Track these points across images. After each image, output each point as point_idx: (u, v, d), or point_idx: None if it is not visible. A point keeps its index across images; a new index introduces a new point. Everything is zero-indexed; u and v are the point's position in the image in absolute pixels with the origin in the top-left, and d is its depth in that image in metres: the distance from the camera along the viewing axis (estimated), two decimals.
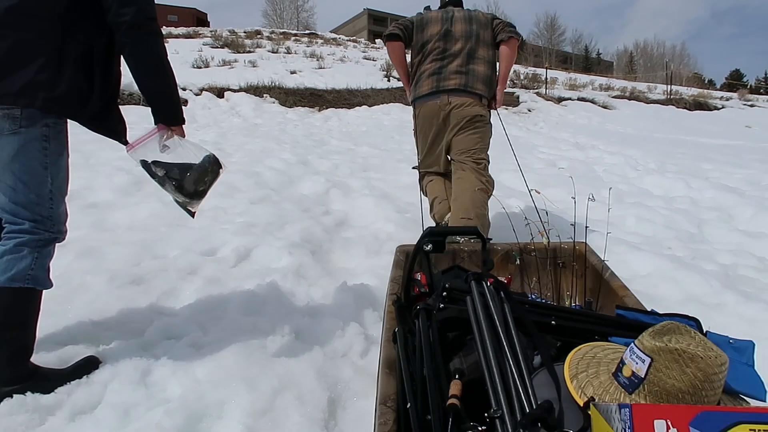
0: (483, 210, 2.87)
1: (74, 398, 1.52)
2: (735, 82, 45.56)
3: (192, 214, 1.89)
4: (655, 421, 0.82)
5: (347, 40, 35.02)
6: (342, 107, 12.07)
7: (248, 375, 1.60)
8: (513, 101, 14.11)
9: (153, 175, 1.73)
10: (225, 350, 1.76)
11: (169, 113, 1.73)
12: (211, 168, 1.82)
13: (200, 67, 15.10)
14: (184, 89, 10.91)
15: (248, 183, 4.06)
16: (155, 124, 1.72)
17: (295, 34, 35.16)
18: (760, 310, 2.18)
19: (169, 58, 1.66)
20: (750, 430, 0.77)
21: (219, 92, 11.05)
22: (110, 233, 2.91)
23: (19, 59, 1.48)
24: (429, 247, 1.66)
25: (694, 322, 1.32)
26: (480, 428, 0.97)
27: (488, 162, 3.10)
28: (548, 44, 61.91)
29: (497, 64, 3.14)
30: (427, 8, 3.23)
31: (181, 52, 19.54)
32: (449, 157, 3.11)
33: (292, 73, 17.61)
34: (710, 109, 17.71)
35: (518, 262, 2.22)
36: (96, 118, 1.68)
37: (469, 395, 1.09)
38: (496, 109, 3.15)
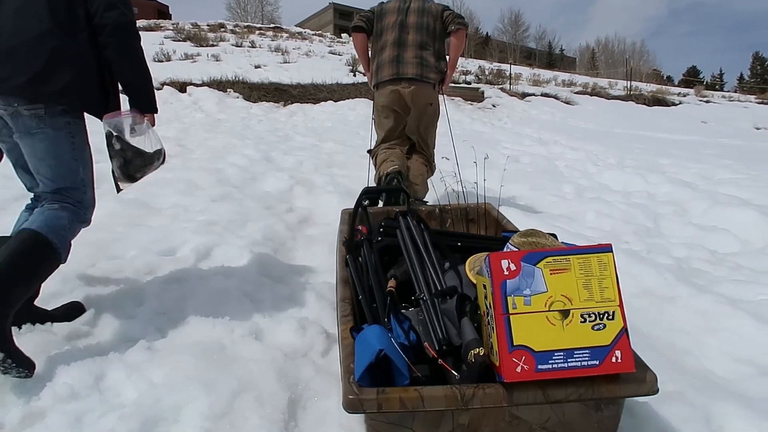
0: (425, 180, 3.62)
1: (23, 404, 1.47)
2: (692, 79, 46.92)
3: (118, 190, 2.09)
4: (502, 261, 1.27)
5: (313, 34, 34.78)
6: (307, 102, 11.98)
7: (206, 377, 1.58)
8: (478, 97, 14.24)
9: (109, 146, 1.91)
10: (182, 352, 1.72)
11: (145, 102, 1.95)
12: (157, 162, 2.05)
13: (161, 61, 14.74)
14: None
15: (210, 180, 3.99)
16: (132, 108, 1.93)
17: (260, 28, 34.73)
18: (710, 302, 2.25)
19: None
20: (553, 260, 1.27)
21: (181, 86, 10.85)
22: None
23: (52, 64, 1.70)
24: (366, 202, 2.15)
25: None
26: (410, 308, 1.56)
27: (434, 148, 3.80)
28: (513, 40, 62.62)
29: (445, 52, 3.60)
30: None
31: (144, 46, 19.08)
32: (407, 135, 3.67)
33: (257, 67, 17.39)
34: (668, 105, 18.19)
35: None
36: (95, 110, 1.87)
37: (400, 293, 1.63)
38: (443, 93, 3.63)
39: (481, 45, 58.59)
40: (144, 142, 1.96)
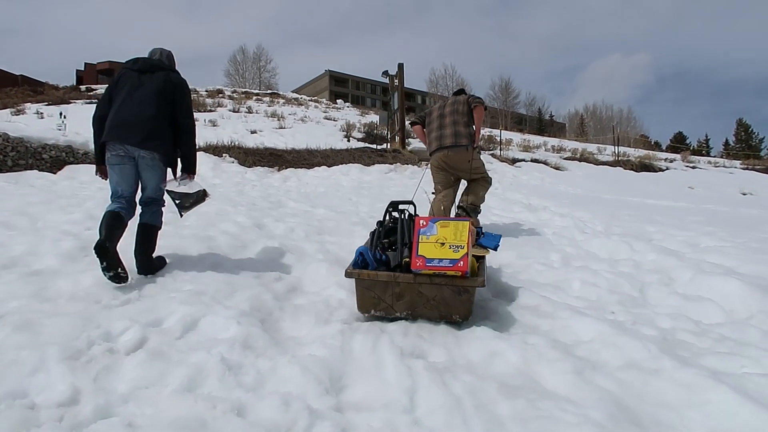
0: (483, 196, 5.60)
1: None
2: (678, 145, 48.08)
3: (181, 215, 3.87)
4: (420, 221, 2.94)
5: (309, 100, 35.74)
6: (301, 167, 12.19)
7: None
8: None
9: (172, 196, 3.67)
10: (163, 429, 1.71)
11: (191, 166, 3.71)
12: (199, 197, 3.79)
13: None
14: None
15: (200, 248, 4.03)
16: (182, 171, 3.69)
17: (257, 94, 35.73)
18: (694, 375, 2.25)
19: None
20: (441, 222, 2.92)
21: None
22: (51, 303, 2.83)
23: (156, 135, 3.43)
24: (390, 209, 3.67)
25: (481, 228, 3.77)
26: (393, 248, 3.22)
27: (485, 171, 5.63)
28: (504, 106, 64.36)
29: (471, 122, 5.37)
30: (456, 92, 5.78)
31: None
32: (462, 179, 5.59)
33: (253, 132, 17.78)
34: (655, 171, 18.58)
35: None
36: (173, 165, 3.70)
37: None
38: (476, 147, 5.40)
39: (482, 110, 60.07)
40: (190, 188, 3.68)
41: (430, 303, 2.91)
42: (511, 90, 67.58)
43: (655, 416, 2.07)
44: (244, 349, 2.42)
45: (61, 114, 12.32)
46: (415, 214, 3.66)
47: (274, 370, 2.28)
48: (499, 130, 23.32)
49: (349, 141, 17.39)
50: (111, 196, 3.45)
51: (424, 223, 2.93)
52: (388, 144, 16.04)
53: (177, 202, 3.67)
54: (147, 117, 3.38)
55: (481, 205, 5.63)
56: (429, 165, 5.55)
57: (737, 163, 26.14)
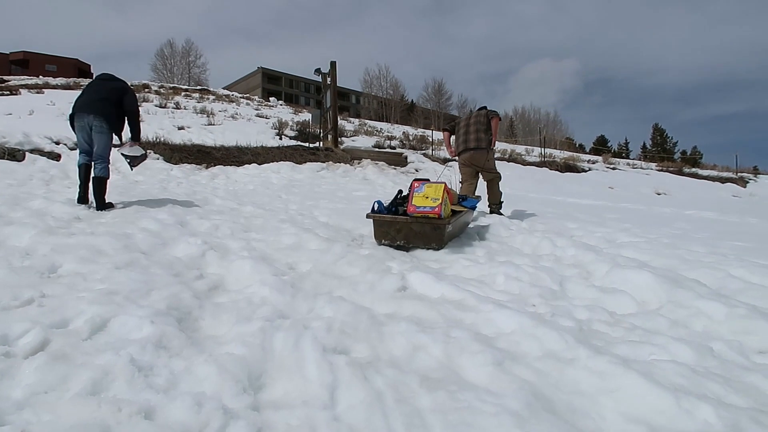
0: (498, 190, 7.34)
1: None
2: (601, 147, 50.42)
3: (132, 170, 6.92)
4: (414, 183, 4.88)
5: (240, 97, 34.92)
6: (231, 165, 11.91)
7: None
8: (402, 161, 14.63)
9: (124, 157, 5.92)
10: None
11: (137, 137, 5.90)
12: (143, 156, 6.04)
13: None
14: (57, 143, 10.28)
15: (116, 246, 3.82)
16: (131, 139, 5.89)
17: (186, 90, 34.58)
18: (606, 363, 2.33)
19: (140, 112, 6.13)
20: (428, 184, 4.79)
21: None
22: None
23: (109, 111, 5.64)
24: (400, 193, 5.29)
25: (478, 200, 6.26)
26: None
27: (496, 169, 7.33)
28: (436, 107, 65.37)
29: (489, 129, 7.08)
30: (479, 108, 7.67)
31: (58, 104, 18.48)
32: (480, 175, 7.33)
33: (180, 128, 17.21)
34: (579, 171, 19.38)
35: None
36: (118, 134, 5.83)
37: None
38: (493, 148, 7.22)
39: (407, 111, 60.80)
40: (135, 152, 5.89)
41: (417, 235, 4.67)
42: (444, 91, 68.85)
43: (570, 403, 2.12)
44: (156, 349, 2.30)
45: None
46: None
47: (189, 370, 2.17)
48: (431, 131, 23.63)
49: (281, 139, 17.14)
50: (79, 151, 5.77)
51: (417, 185, 4.80)
52: (321, 142, 15.92)
53: (128, 161, 5.99)
54: (100, 99, 5.63)
55: (502, 197, 7.49)
56: (458, 162, 7.34)
57: (653, 165, 27.68)
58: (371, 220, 4.83)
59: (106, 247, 3.77)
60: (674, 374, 2.28)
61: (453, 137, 7.52)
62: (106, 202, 5.60)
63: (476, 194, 7.17)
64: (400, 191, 5.25)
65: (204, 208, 6.22)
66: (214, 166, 11.59)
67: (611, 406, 2.09)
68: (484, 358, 2.40)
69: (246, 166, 11.90)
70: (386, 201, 5.25)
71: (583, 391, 2.21)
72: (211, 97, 30.56)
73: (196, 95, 30.69)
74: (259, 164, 12.10)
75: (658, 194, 16.27)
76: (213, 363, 2.20)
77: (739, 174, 25.17)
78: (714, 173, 25.17)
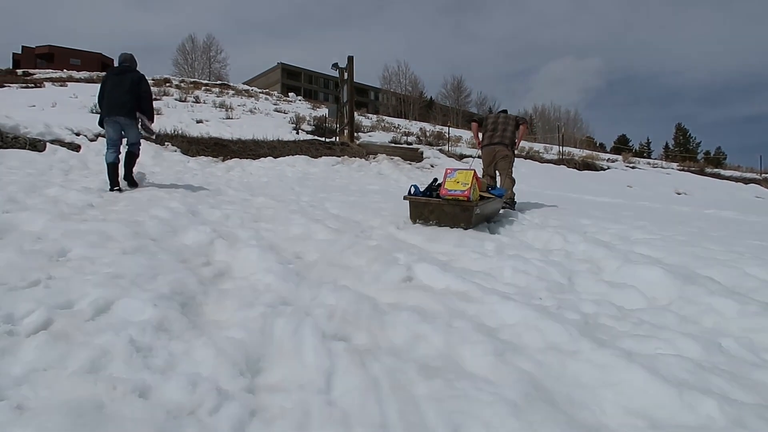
0: (511, 186, 7.47)
1: None
2: (621, 146, 49.75)
3: (154, 137, 9.76)
4: (447, 170, 5.59)
5: (260, 92, 35.11)
6: (247, 158, 11.96)
7: None
8: (417, 157, 14.58)
9: (145, 129, 7.01)
10: (54, 412, 1.61)
11: (151, 118, 6.90)
12: (155, 134, 8.94)
13: (99, 113, 14.46)
14: (77, 134, 10.41)
15: (125, 232, 3.85)
16: (147, 121, 6.87)
17: (206, 84, 34.87)
18: (609, 356, 2.29)
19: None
20: (458, 170, 5.49)
21: None
22: None
23: (127, 104, 6.54)
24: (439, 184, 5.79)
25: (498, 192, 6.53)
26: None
27: (512, 170, 7.62)
28: (455, 104, 65.10)
29: (516, 132, 7.64)
30: (489, 111, 10.42)
31: (81, 97, 18.76)
32: (496, 170, 7.66)
33: (198, 122, 17.35)
34: (597, 170, 19.14)
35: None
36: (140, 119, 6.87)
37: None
38: (516, 149, 7.74)
39: (425, 108, 60.63)
40: (151, 129, 7.11)
41: (448, 215, 5.32)
42: (463, 88, 68.55)
43: (569, 396, 2.09)
44: (157, 331, 2.31)
45: None
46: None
47: (188, 352, 2.18)
48: (447, 127, 23.54)
49: (298, 133, 17.20)
50: (107, 144, 6.62)
51: (450, 172, 5.53)
52: (337, 137, 15.93)
53: (145, 135, 7.32)
54: (125, 101, 6.49)
55: (515, 193, 7.78)
56: (481, 154, 7.80)
57: (674, 165, 27.26)
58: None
59: (115, 233, 3.81)
60: (679, 369, 2.23)
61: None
62: (135, 178, 6.86)
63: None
64: (435, 179, 5.93)
65: (216, 198, 6.26)
66: (231, 159, 11.65)
67: (612, 399, 2.06)
68: (484, 348, 2.37)
69: (262, 159, 11.95)
70: (422, 186, 6.04)
71: (584, 383, 2.18)
72: (231, 92, 30.76)
73: (216, 90, 30.90)
74: (275, 157, 12.14)
75: (678, 194, 16.00)
76: (212, 346, 2.21)
77: (763, 175, 24.66)
78: (737, 174, 24.69)
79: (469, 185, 5.20)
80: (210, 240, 4.01)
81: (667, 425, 1.88)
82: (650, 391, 2.05)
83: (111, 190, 6.12)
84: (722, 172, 25.33)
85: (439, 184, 5.59)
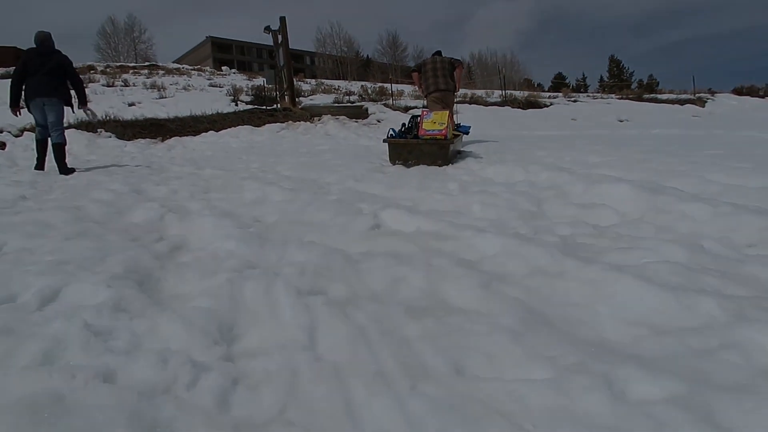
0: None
1: None
2: (560, 82, 50.46)
3: (96, 118, 8.24)
4: (423, 111, 6.25)
5: (191, 69, 33.76)
6: (187, 135, 11.44)
7: None
8: (362, 114, 14.31)
9: (87, 113, 7.01)
10: (5, 412, 1.40)
11: (84, 101, 6.83)
12: (94, 117, 7.56)
13: (23, 107, 13.52)
14: (0, 131, 9.72)
15: (65, 218, 3.54)
16: (80, 103, 6.77)
17: (134, 67, 33.24)
18: (597, 272, 2.23)
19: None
20: (434, 112, 6.11)
21: None
22: None
23: (58, 88, 6.37)
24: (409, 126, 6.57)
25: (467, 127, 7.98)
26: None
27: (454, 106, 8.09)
28: (393, 61, 64.41)
29: (454, 75, 7.69)
30: (434, 53, 8.08)
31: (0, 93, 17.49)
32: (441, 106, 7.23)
33: (131, 105, 16.54)
34: (541, 107, 19.29)
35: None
36: (69, 104, 6.59)
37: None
38: (457, 91, 7.97)
39: (363, 68, 59.75)
40: (94, 111, 7.21)
41: (426, 154, 5.78)
42: (399, 43, 67.76)
43: (565, 315, 2.01)
44: (115, 312, 2.10)
45: None
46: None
47: (153, 329, 1.98)
48: (389, 83, 23.21)
49: (237, 105, 16.58)
50: (36, 125, 6.58)
51: (426, 113, 6.05)
52: (278, 104, 15.44)
53: (90, 116, 7.12)
54: (50, 82, 6.25)
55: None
56: (427, 100, 7.81)
57: (613, 95, 27.76)
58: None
59: (54, 221, 3.49)
60: (669, 273, 2.18)
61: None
62: (68, 167, 6.33)
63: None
64: (413, 117, 6.66)
65: (161, 175, 5.91)
66: (170, 138, 11.12)
67: (608, 312, 1.98)
68: (469, 281, 2.26)
69: (203, 134, 11.47)
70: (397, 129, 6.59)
71: (577, 301, 2.10)
72: (161, 72, 29.38)
73: (145, 71, 29.46)
74: (217, 131, 11.67)
75: (621, 121, 16.29)
76: (178, 320, 2.01)
77: (697, 95, 25.41)
78: (673, 96, 25.37)
79: (446, 124, 5.77)
80: (160, 216, 3.74)
81: (669, 329, 1.82)
82: (646, 298, 1.98)
83: (36, 168, 6.32)
84: (659, 96, 25.97)
85: (410, 127, 6.26)
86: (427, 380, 1.59)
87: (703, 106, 22.25)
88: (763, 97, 25.94)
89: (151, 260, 2.80)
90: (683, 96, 25.39)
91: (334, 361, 1.73)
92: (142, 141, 10.63)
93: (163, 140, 10.94)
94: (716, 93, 26.68)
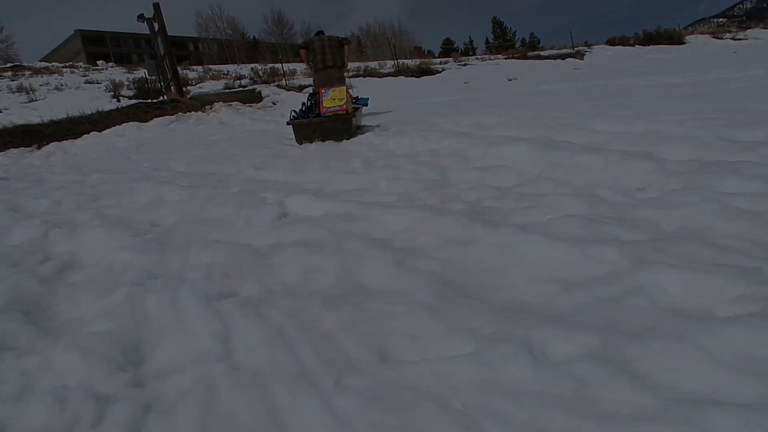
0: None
1: None
2: (449, 47, 51.48)
3: None
4: (322, 89, 6.40)
5: (62, 67, 31.22)
6: (66, 139, 10.59)
7: None
8: (256, 97, 13.88)
9: None
10: None
11: None
12: None
13: None
14: None
15: None
16: None
17: None
18: (506, 234, 2.26)
19: None
20: (332, 88, 6.39)
21: None
22: None
23: None
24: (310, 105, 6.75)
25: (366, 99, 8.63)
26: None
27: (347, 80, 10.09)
28: (281, 40, 62.93)
29: (342, 53, 7.99)
30: (316, 33, 8.26)
31: None
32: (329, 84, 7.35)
33: None
34: (434, 73, 19.58)
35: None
36: None
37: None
38: (346, 66, 8.20)
39: (251, 49, 57.92)
40: None
41: (330, 130, 6.00)
42: (285, 21, 66.22)
43: (480, 282, 2.02)
44: None
45: None
46: (316, 91, 6.70)
47: (46, 365, 1.78)
48: (280, 63, 22.63)
49: (119, 101, 15.54)
50: None
51: (324, 91, 6.23)
52: (164, 95, 14.62)
53: None
54: None
55: None
56: (314, 77, 8.04)
57: (500, 56, 28.66)
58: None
59: None
60: (572, 227, 2.25)
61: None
62: None
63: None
64: (311, 95, 6.86)
65: (40, 187, 5.41)
66: (47, 144, 10.25)
67: (520, 273, 2.02)
68: (383, 261, 2.23)
69: (84, 136, 10.67)
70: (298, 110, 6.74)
71: (490, 267, 2.12)
72: (28, 73, 26.90)
73: (8, 74, 26.88)
74: (100, 131, 10.89)
75: (510, 80, 16.88)
76: (74, 349, 1.82)
77: (575, 49, 26.75)
78: (554, 52, 26.56)
79: (345, 99, 6.06)
80: (43, 233, 3.40)
81: (578, 282, 1.87)
82: (553, 255, 2.03)
83: None
84: (542, 53, 27.11)
85: (311, 105, 6.53)
86: (351, 373, 1.54)
87: (583, 59, 23.46)
88: (633, 45, 27.70)
89: (37, 285, 2.54)
90: (563, 51, 26.64)
91: (252, 367, 1.64)
92: (15, 151, 9.73)
93: (39, 147, 10.08)
94: (593, 45, 28.21)
